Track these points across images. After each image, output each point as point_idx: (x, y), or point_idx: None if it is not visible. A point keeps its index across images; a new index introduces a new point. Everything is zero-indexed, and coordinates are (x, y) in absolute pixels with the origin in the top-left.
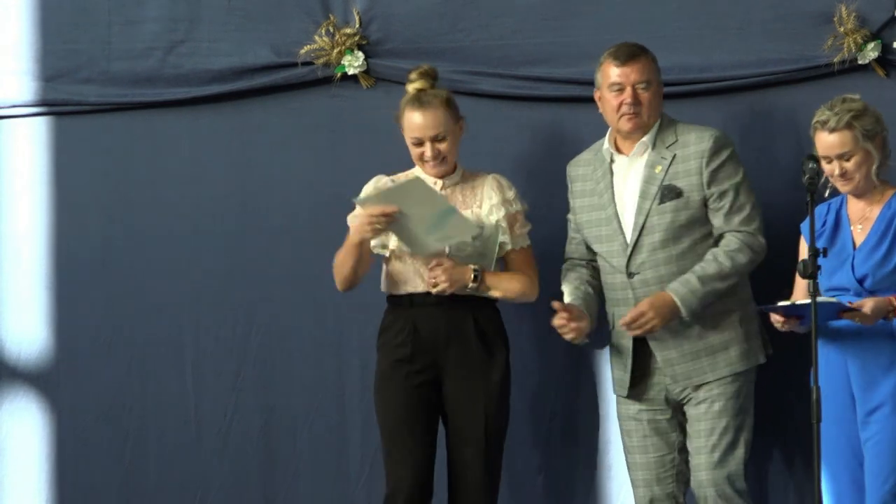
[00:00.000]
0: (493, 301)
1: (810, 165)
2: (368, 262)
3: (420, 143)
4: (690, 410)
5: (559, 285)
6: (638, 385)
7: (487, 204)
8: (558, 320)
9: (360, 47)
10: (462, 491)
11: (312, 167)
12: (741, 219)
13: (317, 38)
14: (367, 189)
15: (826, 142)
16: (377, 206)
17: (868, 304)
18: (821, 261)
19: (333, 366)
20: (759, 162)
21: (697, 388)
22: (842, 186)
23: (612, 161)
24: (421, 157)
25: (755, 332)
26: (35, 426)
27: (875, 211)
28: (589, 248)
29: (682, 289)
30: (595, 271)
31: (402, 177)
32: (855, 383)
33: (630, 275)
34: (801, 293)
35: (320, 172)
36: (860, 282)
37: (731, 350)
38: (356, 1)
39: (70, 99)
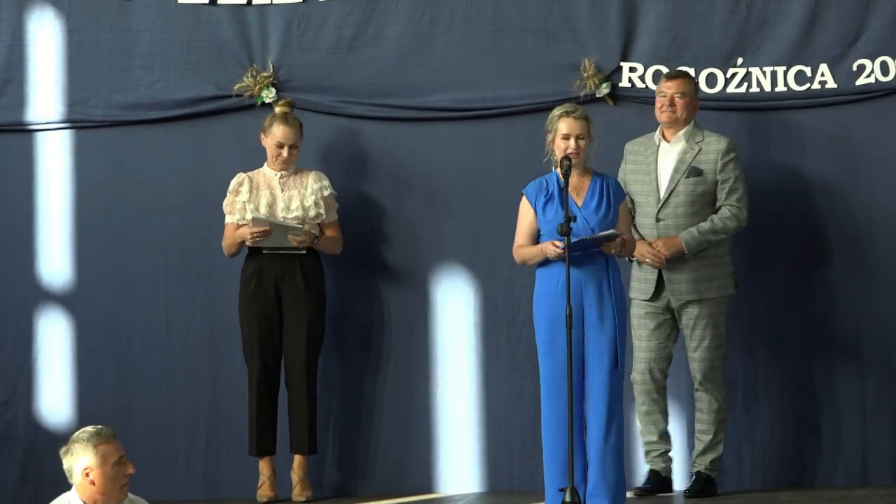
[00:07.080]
0: (315, 252)
1: (565, 163)
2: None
3: (281, 147)
4: (684, 318)
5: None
6: (653, 295)
7: (311, 188)
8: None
9: (273, 85)
10: (292, 374)
11: (252, 167)
12: (735, 198)
13: (245, 78)
14: (234, 186)
15: (571, 124)
16: (259, 226)
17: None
18: (554, 215)
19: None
20: (540, 157)
21: (690, 302)
22: (573, 157)
23: (658, 145)
24: (277, 157)
25: (731, 272)
26: None
27: (585, 184)
28: (631, 199)
29: (686, 235)
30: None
31: (259, 173)
32: (587, 301)
33: (657, 220)
34: (525, 238)
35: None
36: (592, 230)
37: (713, 282)
38: (271, 53)
39: (84, 118)
